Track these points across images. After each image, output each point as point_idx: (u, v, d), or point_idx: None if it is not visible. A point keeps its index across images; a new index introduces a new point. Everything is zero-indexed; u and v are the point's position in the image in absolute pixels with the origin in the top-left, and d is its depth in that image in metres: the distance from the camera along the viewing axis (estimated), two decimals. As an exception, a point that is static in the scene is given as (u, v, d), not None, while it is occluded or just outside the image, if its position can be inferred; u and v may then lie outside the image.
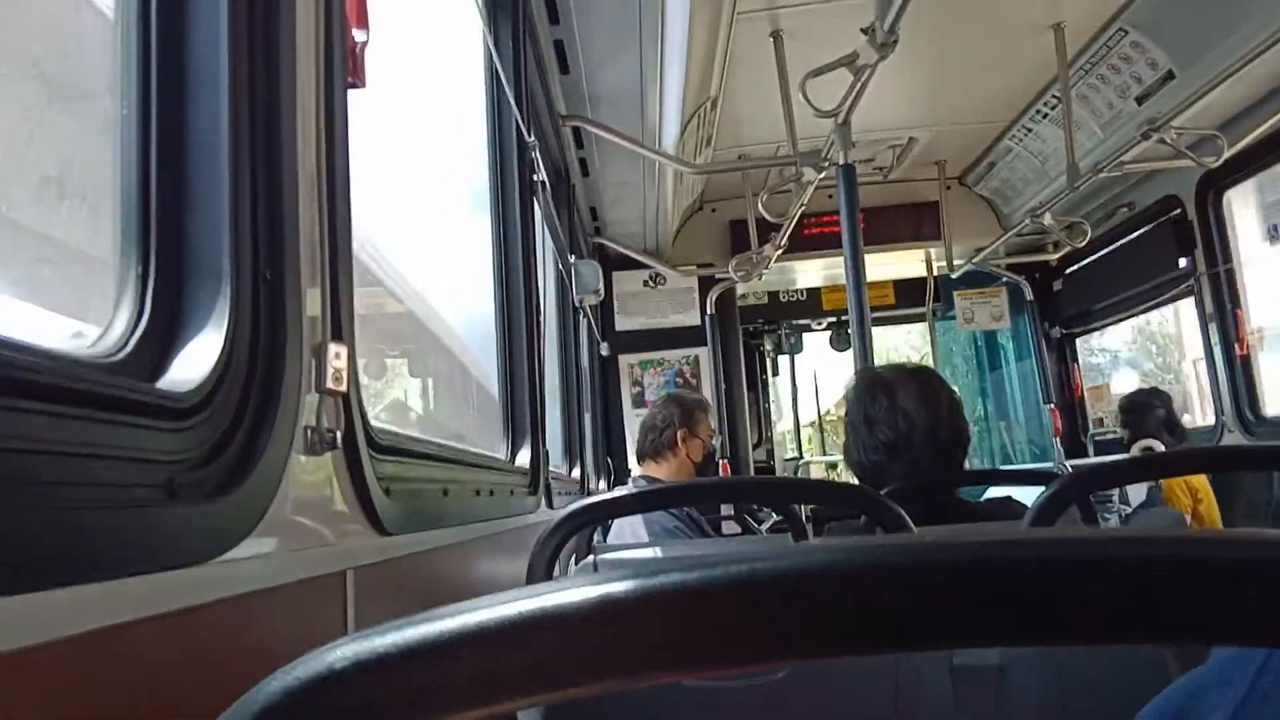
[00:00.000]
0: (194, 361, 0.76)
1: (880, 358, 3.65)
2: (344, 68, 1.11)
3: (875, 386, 1.93)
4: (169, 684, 0.65)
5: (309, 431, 0.92)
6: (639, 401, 5.55)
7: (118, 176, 0.79)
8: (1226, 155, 3.59)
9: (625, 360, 5.63)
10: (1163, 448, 4.00)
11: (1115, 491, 4.06)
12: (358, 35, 1.16)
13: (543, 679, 0.30)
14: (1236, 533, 0.29)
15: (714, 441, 3.63)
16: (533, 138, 2.56)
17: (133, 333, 0.74)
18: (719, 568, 0.30)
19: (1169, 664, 1.11)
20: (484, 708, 0.31)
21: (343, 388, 0.97)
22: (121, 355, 0.72)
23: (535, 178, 2.58)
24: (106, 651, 0.59)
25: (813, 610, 0.30)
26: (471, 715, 0.31)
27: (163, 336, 0.77)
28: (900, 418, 1.86)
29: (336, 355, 0.97)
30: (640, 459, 3.45)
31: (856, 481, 2.03)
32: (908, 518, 1.45)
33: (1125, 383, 6.96)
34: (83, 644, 0.56)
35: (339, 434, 0.97)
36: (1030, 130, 4.75)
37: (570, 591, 0.30)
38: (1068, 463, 5.25)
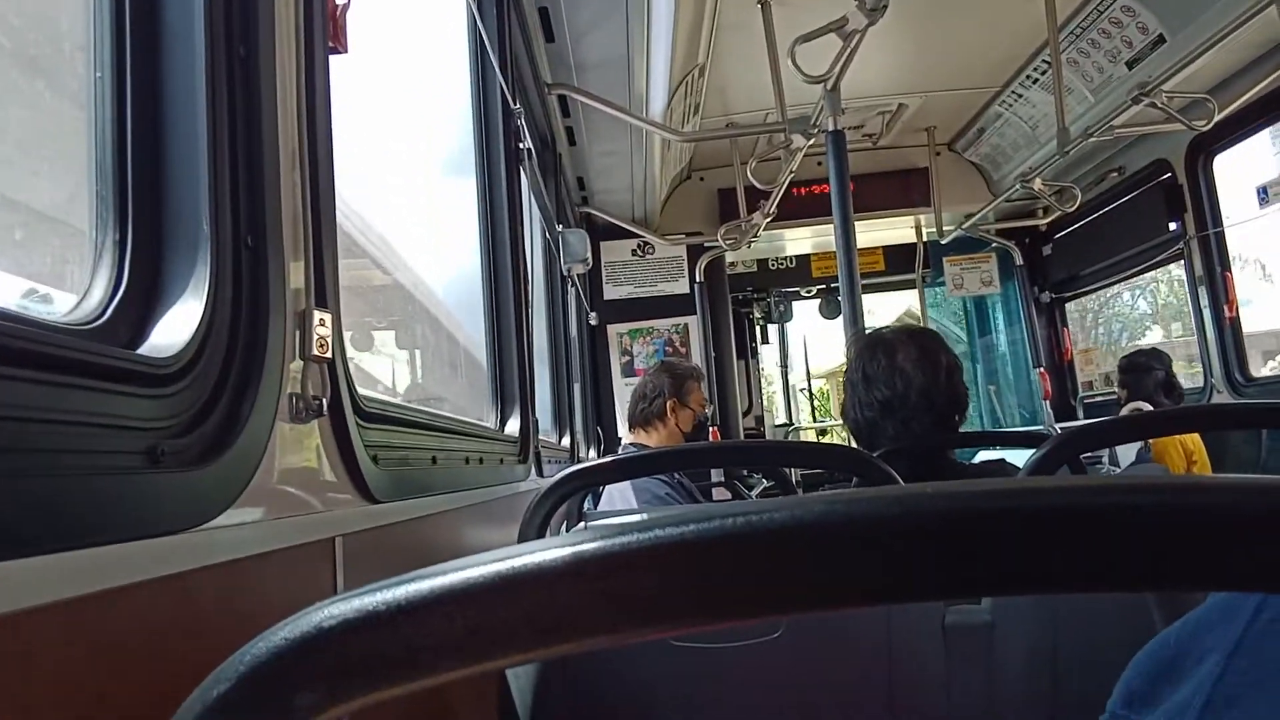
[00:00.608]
0: (174, 328, 0.75)
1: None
2: (324, 32, 1.09)
3: (875, 345, 1.94)
4: (157, 649, 0.65)
5: (294, 399, 0.91)
6: (628, 370, 5.55)
7: (92, 141, 0.77)
8: (1217, 119, 3.59)
9: (614, 329, 5.62)
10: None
11: (1105, 453, 4.09)
12: (338, -2, 1.14)
13: (532, 635, 0.30)
14: (1221, 479, 0.29)
15: (706, 410, 3.62)
16: (518, 105, 2.54)
17: (111, 299, 0.73)
18: (704, 522, 0.30)
19: (1153, 614, 1.12)
20: (473, 664, 0.30)
21: (328, 354, 0.96)
22: (100, 322, 0.71)
23: (521, 145, 2.56)
24: (92, 617, 0.58)
25: (801, 563, 0.29)
26: (461, 672, 0.30)
27: (142, 303, 0.75)
28: (897, 376, 1.87)
29: (321, 322, 0.96)
30: (631, 427, 3.46)
31: (852, 442, 2.04)
32: (899, 478, 1.45)
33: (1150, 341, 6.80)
34: (67, 610, 0.55)
35: (325, 401, 0.96)
36: (1020, 95, 4.74)
37: (556, 549, 0.30)
38: (1057, 425, 5.28)
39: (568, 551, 0.30)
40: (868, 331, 2.15)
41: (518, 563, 0.30)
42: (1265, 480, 0.28)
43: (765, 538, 0.30)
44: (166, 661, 0.64)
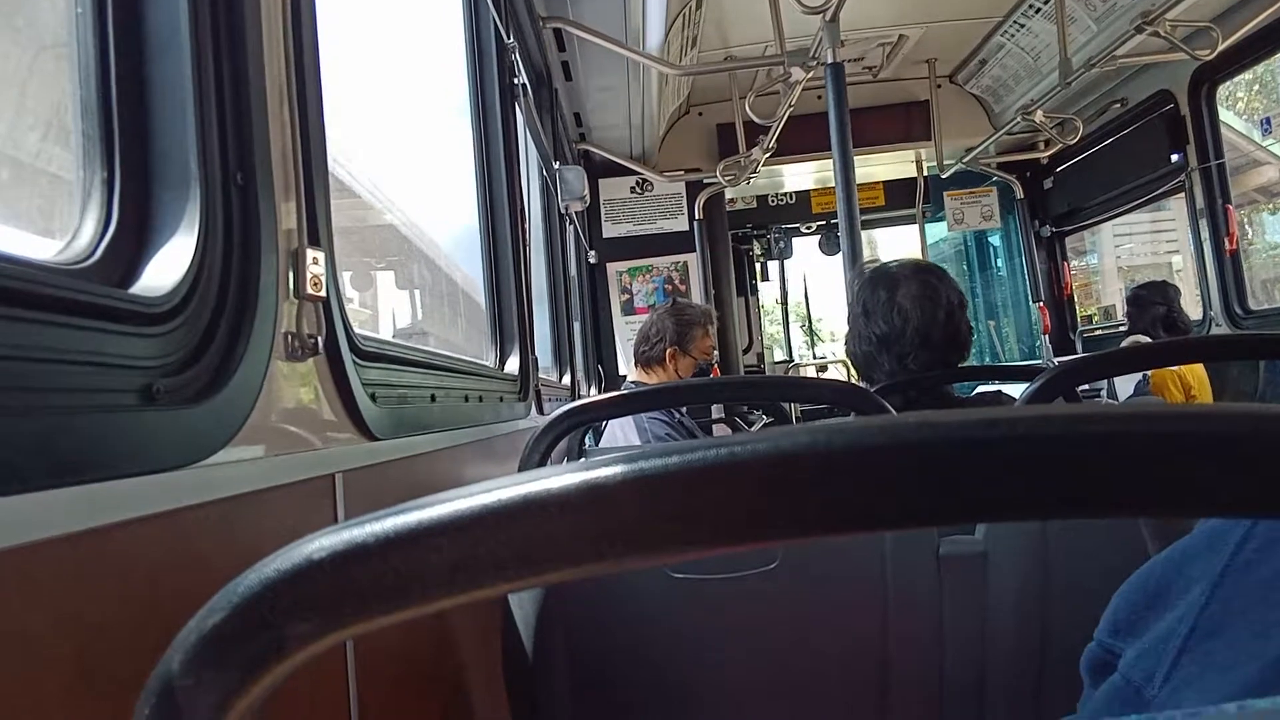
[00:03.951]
0: (166, 267, 0.75)
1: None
2: (311, -37, 1.07)
3: (878, 279, 1.95)
4: (158, 583, 0.66)
5: (289, 337, 0.92)
6: (628, 309, 5.54)
7: (76, 79, 0.77)
8: (1221, 48, 3.53)
9: (614, 267, 5.60)
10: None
11: (1103, 386, 4.10)
12: (324, -72, 1.12)
13: (519, 565, 0.31)
14: (1210, 407, 0.29)
15: (713, 357, 3.56)
16: (512, 39, 2.50)
17: (101, 238, 0.73)
18: (688, 453, 0.30)
19: (1146, 541, 1.13)
20: (462, 593, 0.31)
21: (322, 293, 0.96)
22: (91, 261, 0.71)
23: (516, 81, 2.52)
24: (92, 551, 0.59)
25: (793, 490, 0.30)
26: (451, 601, 0.31)
27: (133, 242, 0.75)
28: (896, 312, 1.88)
29: (314, 260, 0.95)
30: (635, 365, 3.46)
31: (855, 375, 2.05)
32: (893, 412, 1.46)
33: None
34: (67, 544, 0.56)
35: (320, 340, 0.96)
36: (1022, 25, 4.66)
37: (540, 481, 0.30)
38: (1055, 360, 5.29)
39: (552, 484, 0.30)
40: (874, 264, 2.14)
41: (504, 495, 0.31)
42: (1231, 408, 0.28)
43: (748, 468, 0.30)
44: (167, 594, 0.66)
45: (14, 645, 0.52)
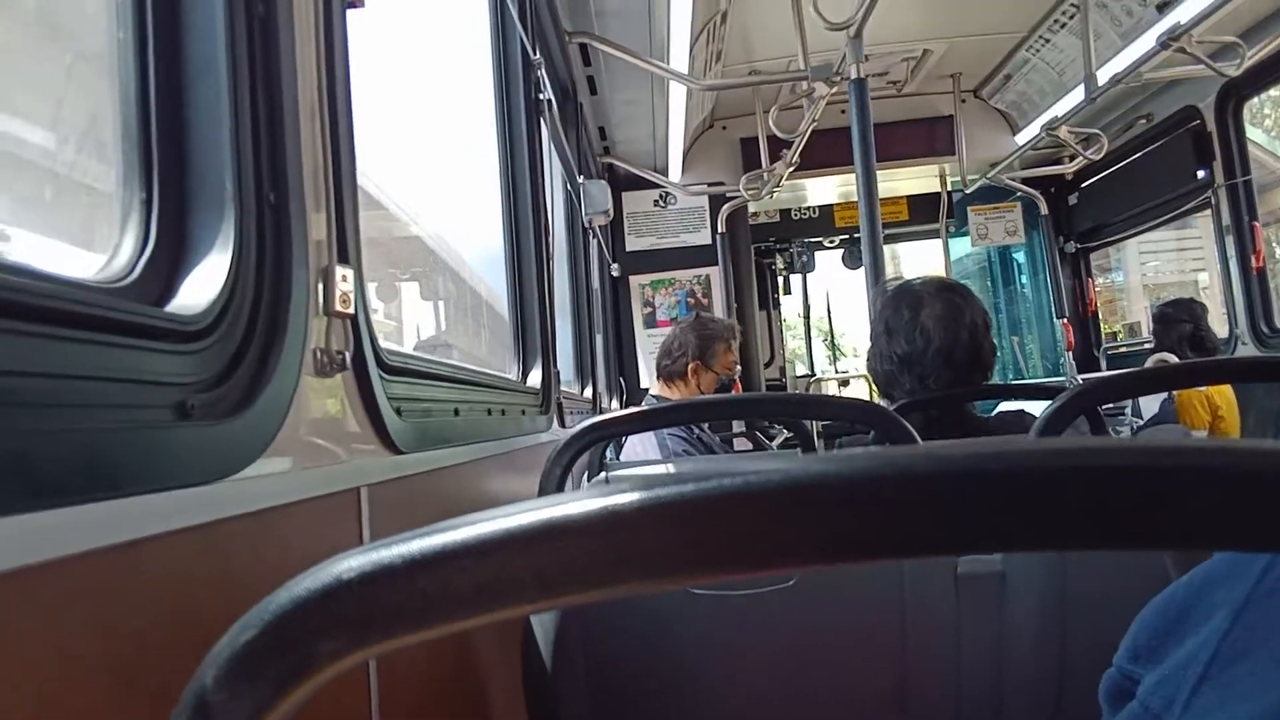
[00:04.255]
0: (201, 285, 0.77)
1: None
2: (343, -13, 1.09)
3: (902, 297, 1.94)
4: (188, 597, 0.68)
5: (318, 353, 0.94)
6: (650, 322, 5.56)
7: (117, 101, 0.79)
8: (1247, 64, 3.51)
9: (636, 280, 5.62)
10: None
11: (1128, 405, 4.06)
12: (355, -48, 1.14)
13: (539, 588, 0.31)
14: (1217, 442, 0.30)
15: (735, 373, 3.55)
16: (538, 55, 2.52)
17: (139, 257, 0.75)
18: (702, 482, 0.31)
19: (1167, 565, 1.13)
20: (485, 614, 0.32)
21: (350, 310, 0.98)
22: (129, 280, 0.73)
23: (541, 96, 2.54)
24: (129, 564, 0.61)
25: (806, 519, 0.31)
26: (474, 621, 0.32)
27: (169, 261, 0.77)
28: (918, 333, 1.87)
29: (343, 278, 0.97)
30: (656, 378, 3.46)
31: (876, 391, 2.05)
32: (914, 431, 1.46)
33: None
34: (100, 559, 0.58)
35: (348, 355, 0.98)
36: (1048, 41, 4.66)
37: (560, 507, 0.31)
38: (1079, 377, 5.25)
39: (573, 510, 0.31)
40: (897, 281, 2.13)
41: (527, 519, 0.31)
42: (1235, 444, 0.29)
43: (760, 498, 0.31)
44: (201, 606, 0.67)
45: (55, 656, 0.54)
